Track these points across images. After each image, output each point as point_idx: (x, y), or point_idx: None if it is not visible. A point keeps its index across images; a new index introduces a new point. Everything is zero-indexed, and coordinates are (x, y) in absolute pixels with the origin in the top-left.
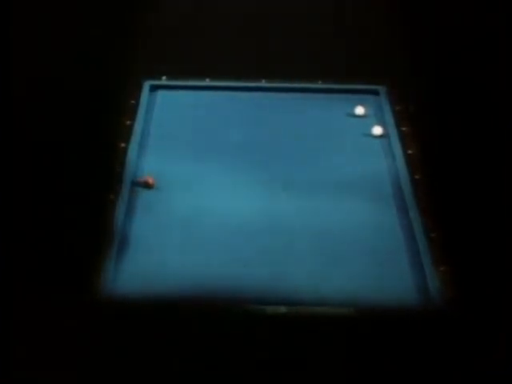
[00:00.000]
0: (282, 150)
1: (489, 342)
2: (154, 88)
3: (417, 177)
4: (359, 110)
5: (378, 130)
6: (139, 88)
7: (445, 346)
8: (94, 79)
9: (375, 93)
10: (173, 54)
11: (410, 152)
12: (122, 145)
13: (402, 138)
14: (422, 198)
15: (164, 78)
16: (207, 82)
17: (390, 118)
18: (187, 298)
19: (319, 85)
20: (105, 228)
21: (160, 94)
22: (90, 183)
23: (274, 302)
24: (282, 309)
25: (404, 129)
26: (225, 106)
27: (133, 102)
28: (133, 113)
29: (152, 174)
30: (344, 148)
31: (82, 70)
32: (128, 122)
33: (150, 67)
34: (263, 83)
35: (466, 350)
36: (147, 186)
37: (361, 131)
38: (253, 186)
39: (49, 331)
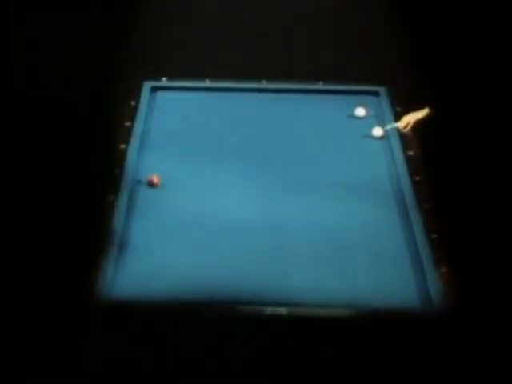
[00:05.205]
0: (282, 151)
1: (491, 344)
2: (154, 89)
3: (417, 178)
4: (359, 111)
5: (378, 132)
6: (139, 89)
7: (445, 348)
8: (94, 80)
9: (376, 94)
10: (173, 55)
11: (410, 153)
12: (122, 146)
13: (403, 139)
14: (423, 199)
15: (164, 79)
16: (207, 83)
17: (390, 119)
18: (187, 300)
19: (319, 86)
20: (104, 230)
21: (160, 95)
22: (90, 184)
23: (274, 303)
24: (282, 310)
25: (404, 130)
26: (225, 107)
27: (133, 103)
28: (133, 114)
29: (157, 173)
30: (344, 149)
31: (82, 71)
32: (128, 124)
33: (150, 68)
34: (263, 84)
35: (468, 352)
36: (152, 184)
37: (361, 132)
38: (253, 186)
39: (48, 334)
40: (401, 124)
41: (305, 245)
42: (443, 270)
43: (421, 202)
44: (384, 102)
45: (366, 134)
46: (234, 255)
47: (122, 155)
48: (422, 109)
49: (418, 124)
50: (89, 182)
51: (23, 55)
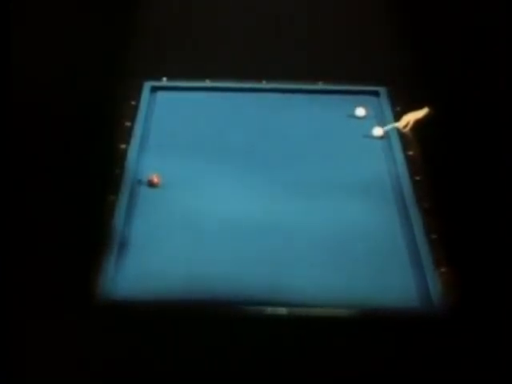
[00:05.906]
0: (282, 151)
1: (490, 344)
2: (154, 89)
3: (417, 178)
4: (360, 111)
5: (378, 131)
6: (139, 89)
7: (445, 348)
8: (94, 80)
9: (376, 94)
10: (173, 55)
11: (410, 153)
12: (122, 146)
13: (403, 139)
14: (423, 199)
15: (164, 79)
16: (207, 83)
17: (390, 119)
18: (187, 300)
19: (319, 86)
20: (105, 230)
21: (160, 95)
22: (90, 185)
23: (273, 303)
24: (282, 310)
25: (404, 130)
26: (225, 107)
27: (133, 103)
28: (133, 114)
29: (157, 173)
30: (344, 149)
31: (82, 70)
32: (128, 124)
33: (150, 68)
34: (263, 84)
35: (467, 352)
36: (152, 184)
37: (361, 132)
38: (253, 186)
39: (47, 335)
40: (401, 124)
41: (304, 244)
42: (443, 269)
43: (420, 201)
44: (384, 102)
45: (366, 134)
46: (233, 255)
47: (122, 155)
48: (421, 109)
49: (418, 124)
50: (89, 182)
51: (23, 55)
